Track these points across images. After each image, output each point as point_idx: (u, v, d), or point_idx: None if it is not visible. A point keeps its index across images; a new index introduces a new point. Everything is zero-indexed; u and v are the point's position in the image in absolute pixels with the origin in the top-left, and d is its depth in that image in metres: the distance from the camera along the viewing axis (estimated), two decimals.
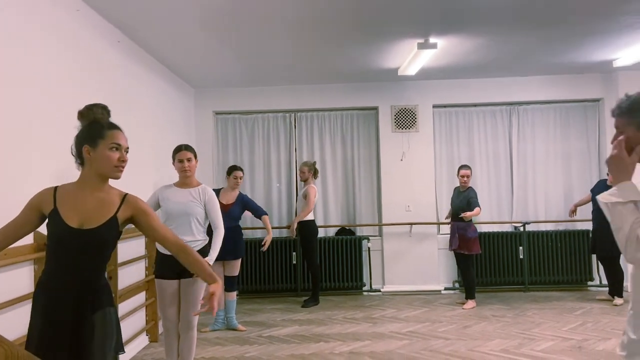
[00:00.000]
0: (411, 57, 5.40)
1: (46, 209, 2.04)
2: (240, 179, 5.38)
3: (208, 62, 5.67)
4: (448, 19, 4.49)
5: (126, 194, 2.14)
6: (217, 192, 5.27)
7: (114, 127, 2.10)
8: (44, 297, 2.02)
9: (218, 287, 2.16)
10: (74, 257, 2.01)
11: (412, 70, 5.81)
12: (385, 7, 4.14)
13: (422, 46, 5.00)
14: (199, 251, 3.59)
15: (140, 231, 2.20)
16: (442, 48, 5.20)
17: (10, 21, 2.96)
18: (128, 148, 2.12)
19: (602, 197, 1.70)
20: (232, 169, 5.42)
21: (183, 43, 4.94)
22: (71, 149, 2.11)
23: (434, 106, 6.98)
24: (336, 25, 4.57)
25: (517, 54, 5.67)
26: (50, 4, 3.38)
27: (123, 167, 2.09)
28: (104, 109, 2.12)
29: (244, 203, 5.36)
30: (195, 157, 3.76)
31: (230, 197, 5.29)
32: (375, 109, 7.03)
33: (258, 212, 5.40)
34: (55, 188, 2.08)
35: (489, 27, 4.73)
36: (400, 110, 6.93)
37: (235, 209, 5.23)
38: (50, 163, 3.19)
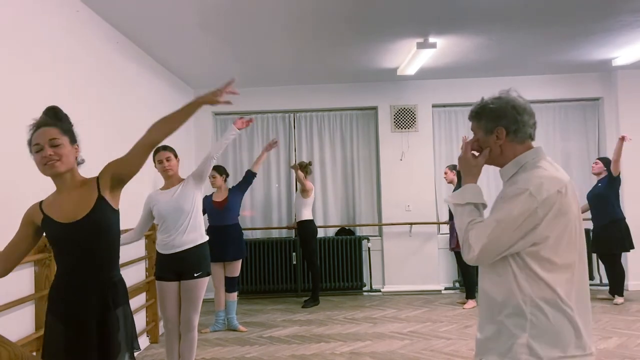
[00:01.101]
0: (410, 57, 5.40)
1: (37, 219, 2.06)
2: (214, 177, 5.15)
3: (207, 62, 5.67)
4: (447, 19, 4.49)
5: (98, 176, 2.10)
6: (210, 197, 5.25)
7: (35, 127, 2.04)
8: (62, 302, 2.03)
9: (204, 96, 2.07)
10: (79, 252, 2.02)
11: (411, 70, 5.81)
12: (385, 6, 4.14)
13: (421, 46, 5.00)
14: (199, 248, 3.58)
15: (129, 175, 2.08)
16: (441, 48, 5.20)
17: (8, 22, 2.96)
18: (54, 139, 1.99)
19: (446, 198, 1.77)
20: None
21: (182, 43, 4.94)
22: None
23: (434, 106, 6.98)
24: (335, 25, 4.57)
25: (516, 53, 5.67)
26: (49, 5, 3.38)
27: (52, 161, 1.98)
28: (45, 113, 2.08)
29: (237, 189, 5.21)
30: (176, 156, 3.70)
31: (221, 195, 5.23)
32: (375, 108, 7.03)
33: (249, 178, 5.19)
34: (40, 202, 2.11)
35: (488, 26, 4.73)
36: (399, 110, 6.93)
37: (232, 201, 5.16)
38: None
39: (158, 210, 3.57)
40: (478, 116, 1.73)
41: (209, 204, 5.18)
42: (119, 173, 2.06)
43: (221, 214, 5.13)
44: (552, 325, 1.54)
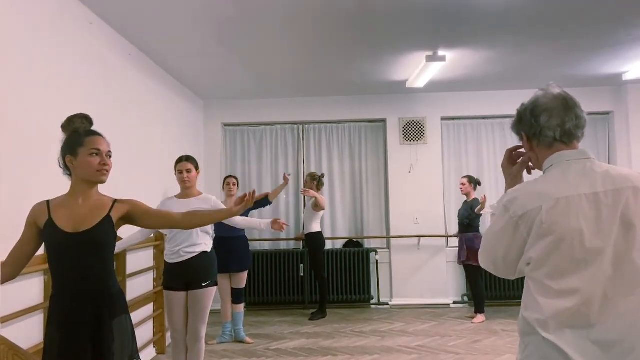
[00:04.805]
0: (420, 70, 5.41)
1: (41, 221, 2.07)
2: (233, 185, 5.41)
3: (217, 74, 5.72)
4: (457, 32, 4.50)
5: (117, 199, 2.18)
6: None
7: (93, 133, 2.14)
8: (58, 310, 2.04)
9: (238, 206, 2.34)
10: (75, 262, 2.03)
11: (420, 82, 5.81)
12: (394, 19, 4.17)
13: (430, 59, 5.01)
14: (205, 256, 3.61)
15: (142, 225, 2.24)
16: (450, 60, 5.21)
17: (22, 34, 3.00)
18: (110, 152, 2.15)
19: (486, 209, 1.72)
20: (225, 178, 5.59)
21: (193, 55, 4.99)
22: (58, 161, 2.16)
23: (443, 118, 6.98)
24: (345, 37, 4.60)
25: (526, 66, 5.67)
26: (63, 17, 3.43)
27: (107, 170, 2.11)
28: (84, 119, 2.16)
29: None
30: (197, 168, 3.73)
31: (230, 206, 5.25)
32: (384, 121, 7.03)
33: (262, 204, 5.56)
34: (48, 201, 2.13)
35: (497, 39, 4.74)
36: (408, 122, 6.93)
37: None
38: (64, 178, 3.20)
39: None
40: (513, 125, 1.61)
41: None
42: (136, 216, 2.17)
43: (227, 225, 5.08)
44: (538, 351, 1.37)
